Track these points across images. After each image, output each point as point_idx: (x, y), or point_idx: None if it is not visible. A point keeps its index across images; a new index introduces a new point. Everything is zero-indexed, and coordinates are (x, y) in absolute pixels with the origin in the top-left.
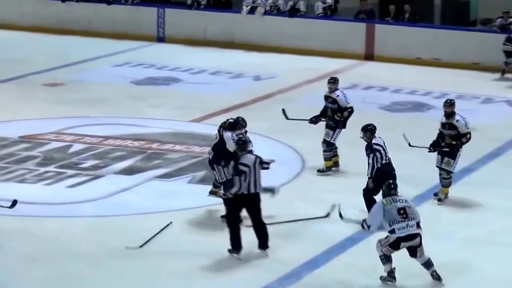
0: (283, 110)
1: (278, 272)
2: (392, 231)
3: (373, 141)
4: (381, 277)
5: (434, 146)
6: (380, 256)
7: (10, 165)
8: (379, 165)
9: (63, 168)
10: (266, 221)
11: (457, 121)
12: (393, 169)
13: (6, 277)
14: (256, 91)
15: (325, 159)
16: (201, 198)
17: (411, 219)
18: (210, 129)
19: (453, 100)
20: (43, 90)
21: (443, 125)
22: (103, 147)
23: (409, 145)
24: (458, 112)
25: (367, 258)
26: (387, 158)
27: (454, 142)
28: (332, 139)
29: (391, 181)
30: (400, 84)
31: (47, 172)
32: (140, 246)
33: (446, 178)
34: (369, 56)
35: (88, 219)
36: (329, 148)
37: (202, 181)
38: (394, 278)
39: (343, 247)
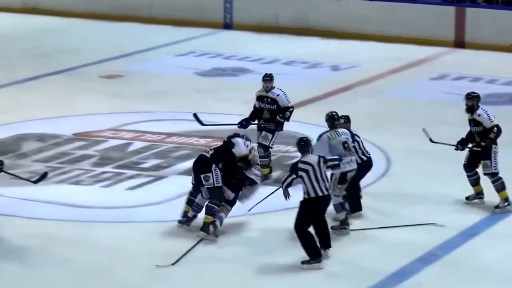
0: (195, 115)
1: (364, 283)
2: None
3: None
4: (332, 227)
5: (462, 144)
6: (335, 205)
7: (64, 165)
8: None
9: (122, 168)
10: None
11: (479, 115)
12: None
13: None
14: (334, 82)
15: (263, 166)
16: (274, 200)
17: (353, 154)
18: (286, 124)
19: (475, 93)
20: (100, 83)
21: (469, 122)
22: (165, 145)
23: (431, 140)
24: (481, 106)
25: (464, 267)
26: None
27: (483, 143)
28: (271, 143)
29: (334, 112)
30: (495, 74)
31: (104, 172)
32: (173, 264)
33: (494, 181)
34: (459, 43)
35: (149, 225)
36: (267, 153)
37: (277, 182)
38: (348, 224)
39: (436, 256)
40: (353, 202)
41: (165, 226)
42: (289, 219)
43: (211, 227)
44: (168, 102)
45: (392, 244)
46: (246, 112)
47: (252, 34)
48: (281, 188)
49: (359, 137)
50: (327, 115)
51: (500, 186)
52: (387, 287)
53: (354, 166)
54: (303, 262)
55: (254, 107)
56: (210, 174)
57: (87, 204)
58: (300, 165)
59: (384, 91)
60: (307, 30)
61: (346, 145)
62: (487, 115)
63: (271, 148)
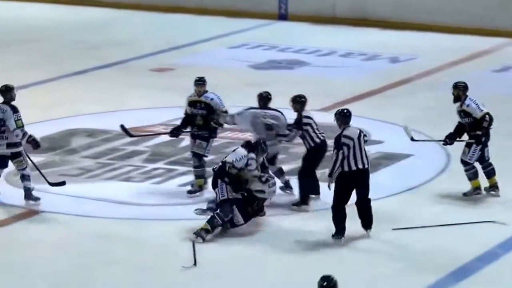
0: (122, 126)
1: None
2: None
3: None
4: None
5: (450, 138)
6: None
7: (114, 162)
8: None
9: (174, 164)
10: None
11: (468, 106)
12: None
13: None
14: (394, 75)
15: (198, 177)
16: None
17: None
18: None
19: (462, 82)
20: (150, 76)
21: (458, 113)
22: (219, 140)
23: (412, 139)
24: (469, 96)
25: None
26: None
27: (479, 132)
28: (206, 151)
29: (267, 92)
30: None
31: (156, 169)
32: (195, 264)
33: (467, 170)
34: None
35: (202, 223)
36: (201, 163)
37: None
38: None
39: (496, 254)
40: (311, 185)
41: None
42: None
43: (205, 235)
44: (220, 96)
45: (450, 242)
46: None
47: (308, 25)
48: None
49: (311, 119)
50: (259, 95)
51: (472, 176)
52: (446, 285)
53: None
54: (332, 235)
55: (186, 113)
56: (217, 190)
57: (138, 201)
58: (343, 140)
59: (444, 84)
60: (365, 21)
61: (268, 128)
62: (476, 104)
63: (206, 156)
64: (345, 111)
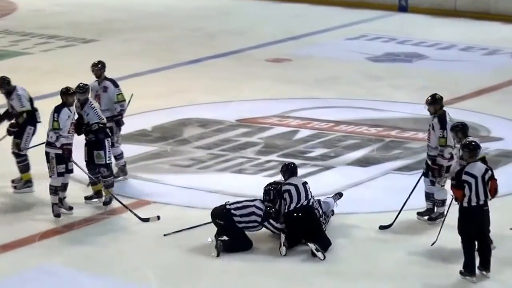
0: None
1: None
2: None
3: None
4: None
5: None
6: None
7: (227, 153)
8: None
9: (288, 157)
10: None
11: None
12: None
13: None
14: None
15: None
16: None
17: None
18: (461, 114)
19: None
20: (266, 67)
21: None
22: (334, 134)
23: None
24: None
25: None
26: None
27: None
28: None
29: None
30: None
31: (269, 161)
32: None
33: None
34: None
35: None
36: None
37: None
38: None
39: None
40: None
41: (331, 218)
42: None
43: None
44: (338, 88)
45: None
46: (421, 99)
47: (428, 17)
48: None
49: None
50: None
51: None
52: None
53: (64, 141)
54: (460, 271)
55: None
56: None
57: (251, 194)
58: (464, 177)
59: None
60: (487, 15)
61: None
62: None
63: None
64: (473, 143)
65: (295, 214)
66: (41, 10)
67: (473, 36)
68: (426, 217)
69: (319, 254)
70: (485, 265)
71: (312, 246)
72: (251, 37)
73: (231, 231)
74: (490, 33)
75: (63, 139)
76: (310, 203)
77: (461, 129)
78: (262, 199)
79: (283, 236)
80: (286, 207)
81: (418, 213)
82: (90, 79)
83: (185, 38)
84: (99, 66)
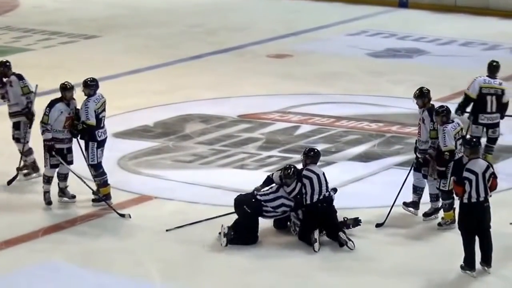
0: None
1: None
2: None
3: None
4: None
5: None
6: None
7: (228, 148)
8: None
9: (289, 152)
10: None
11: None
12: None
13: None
14: None
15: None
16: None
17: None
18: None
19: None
20: (267, 62)
21: None
22: (335, 129)
23: None
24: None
25: None
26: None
27: None
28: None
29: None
30: None
31: (270, 157)
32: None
33: None
34: None
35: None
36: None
37: None
38: None
39: None
40: None
41: None
42: None
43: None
44: (338, 84)
45: None
46: None
47: (428, 13)
48: None
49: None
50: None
51: None
52: None
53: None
54: (461, 265)
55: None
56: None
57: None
58: (465, 174)
59: None
60: (486, 10)
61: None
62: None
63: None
64: (474, 139)
65: (319, 205)
66: (43, 7)
67: (473, 31)
68: (411, 209)
69: (350, 243)
70: (487, 261)
71: (343, 236)
72: (252, 33)
73: (250, 220)
74: (490, 28)
75: (48, 133)
76: (329, 194)
77: (446, 114)
78: (279, 175)
79: (316, 232)
80: (308, 197)
81: (404, 203)
82: (91, 75)
83: (186, 34)
84: (7, 64)
